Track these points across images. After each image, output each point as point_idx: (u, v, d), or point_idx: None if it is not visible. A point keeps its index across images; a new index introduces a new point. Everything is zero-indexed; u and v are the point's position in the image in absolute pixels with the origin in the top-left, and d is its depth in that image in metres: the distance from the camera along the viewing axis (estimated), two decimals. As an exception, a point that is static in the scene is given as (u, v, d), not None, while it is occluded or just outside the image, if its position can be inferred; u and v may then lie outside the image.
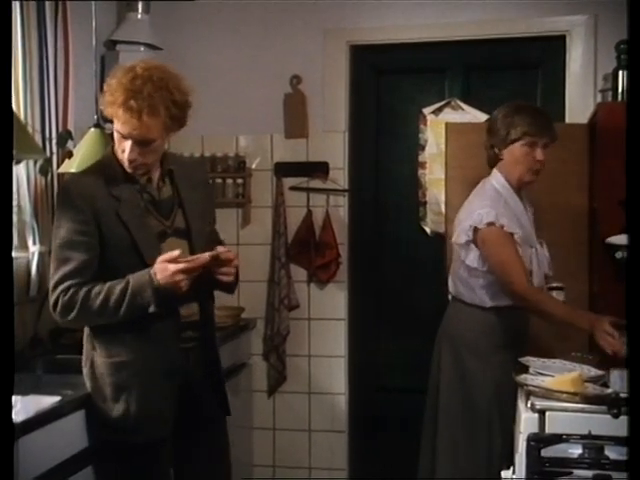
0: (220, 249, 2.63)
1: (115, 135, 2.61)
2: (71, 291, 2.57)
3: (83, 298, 2.56)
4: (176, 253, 2.52)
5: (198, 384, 2.74)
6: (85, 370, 2.70)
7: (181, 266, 2.51)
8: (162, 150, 2.68)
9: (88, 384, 2.68)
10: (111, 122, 3.46)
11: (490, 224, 3.16)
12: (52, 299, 2.60)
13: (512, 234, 3.17)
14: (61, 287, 2.58)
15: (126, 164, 2.60)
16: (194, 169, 2.90)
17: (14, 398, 2.43)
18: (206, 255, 2.56)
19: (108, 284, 2.56)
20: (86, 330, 2.71)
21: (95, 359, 2.66)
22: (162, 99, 2.51)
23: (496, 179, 3.32)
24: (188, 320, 2.68)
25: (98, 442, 2.67)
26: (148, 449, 2.62)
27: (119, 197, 2.62)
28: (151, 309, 2.53)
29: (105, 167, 2.69)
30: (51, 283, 2.62)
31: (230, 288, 2.77)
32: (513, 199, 3.30)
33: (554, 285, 3.27)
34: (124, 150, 2.58)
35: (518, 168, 3.27)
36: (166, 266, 2.52)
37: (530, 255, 3.26)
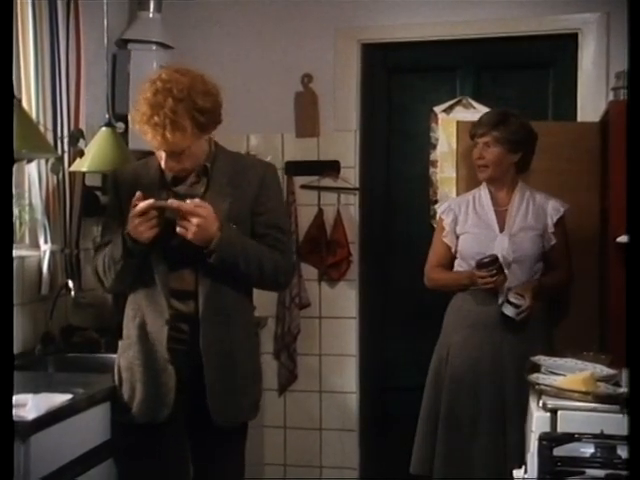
0: (187, 202, 2.58)
1: None
2: (98, 252, 2.79)
3: (97, 258, 2.77)
4: (143, 205, 2.55)
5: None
6: None
7: (136, 210, 2.56)
8: (200, 152, 2.68)
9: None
10: (122, 121, 3.49)
11: (439, 216, 3.60)
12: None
13: (442, 221, 3.56)
14: (94, 255, 2.83)
15: (166, 171, 2.68)
16: (245, 168, 2.79)
17: (26, 396, 2.44)
18: (164, 202, 2.57)
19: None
20: None
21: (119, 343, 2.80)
22: (186, 110, 2.52)
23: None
24: (182, 312, 2.69)
25: (114, 425, 2.76)
26: (154, 430, 2.68)
27: (144, 190, 2.65)
28: (117, 257, 2.64)
29: (149, 161, 2.79)
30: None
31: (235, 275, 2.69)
32: (485, 197, 3.53)
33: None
34: (162, 158, 2.64)
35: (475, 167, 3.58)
36: (130, 220, 2.59)
37: (489, 241, 3.44)
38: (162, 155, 2.62)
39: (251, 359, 2.84)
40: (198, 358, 2.67)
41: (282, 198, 2.99)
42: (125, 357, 2.75)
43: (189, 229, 2.56)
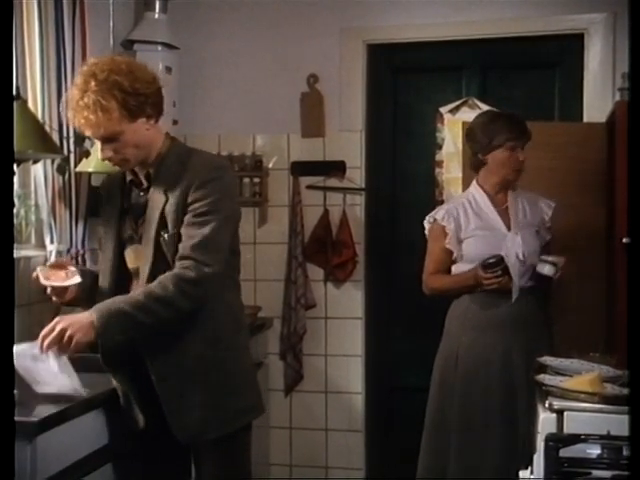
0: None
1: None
2: None
3: None
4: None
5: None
6: None
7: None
8: (144, 143, 2.57)
9: None
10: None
11: (433, 221, 3.52)
12: None
13: (444, 227, 3.47)
14: None
15: (107, 163, 2.64)
16: (188, 169, 2.57)
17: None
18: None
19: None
20: None
21: None
22: (109, 91, 2.45)
23: (473, 185, 3.56)
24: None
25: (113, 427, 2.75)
26: (139, 441, 2.69)
27: (108, 198, 2.73)
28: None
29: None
30: None
31: None
32: (482, 199, 3.49)
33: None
34: (98, 149, 2.60)
35: (503, 170, 3.45)
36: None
37: (498, 241, 3.41)
38: (98, 146, 2.58)
39: (219, 371, 2.63)
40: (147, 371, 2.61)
41: (219, 195, 2.56)
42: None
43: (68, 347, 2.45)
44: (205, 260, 2.50)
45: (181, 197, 2.54)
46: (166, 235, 2.55)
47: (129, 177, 2.68)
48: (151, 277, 2.55)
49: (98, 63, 2.52)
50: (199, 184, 2.53)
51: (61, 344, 2.42)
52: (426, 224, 3.55)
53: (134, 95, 2.49)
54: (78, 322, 2.44)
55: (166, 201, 2.55)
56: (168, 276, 2.50)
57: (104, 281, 2.69)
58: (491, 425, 3.35)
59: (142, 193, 2.65)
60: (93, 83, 2.45)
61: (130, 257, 2.66)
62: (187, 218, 2.53)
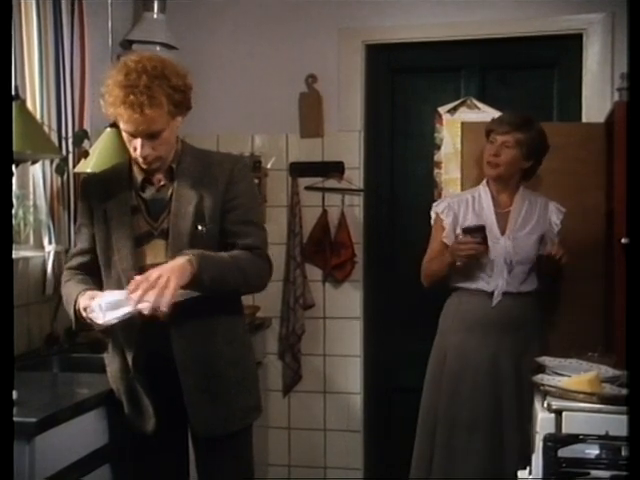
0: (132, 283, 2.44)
1: (124, 135, 2.59)
2: (66, 272, 2.78)
3: (63, 282, 2.75)
4: (99, 293, 2.52)
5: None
6: None
7: (84, 314, 2.53)
8: (173, 141, 2.63)
9: None
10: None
11: (435, 214, 3.57)
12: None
13: (442, 220, 3.52)
14: (66, 265, 2.82)
15: (140, 161, 2.58)
16: (212, 165, 2.67)
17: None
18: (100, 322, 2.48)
19: (75, 284, 2.67)
20: None
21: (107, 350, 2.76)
22: (160, 87, 2.47)
23: (482, 182, 3.58)
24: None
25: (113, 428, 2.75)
26: (144, 443, 2.68)
27: (112, 194, 2.66)
28: (73, 326, 2.65)
29: (117, 167, 2.76)
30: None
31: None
32: (486, 198, 3.50)
33: None
34: (136, 148, 2.56)
35: (482, 163, 3.55)
36: (83, 305, 2.54)
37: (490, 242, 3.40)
38: (137, 144, 2.54)
39: (236, 367, 2.69)
40: (172, 366, 2.60)
41: (254, 191, 2.82)
42: (109, 370, 2.74)
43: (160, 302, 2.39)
44: (269, 257, 2.69)
45: (218, 194, 2.62)
46: (204, 228, 2.60)
47: (140, 175, 2.65)
48: None
49: (143, 58, 2.52)
50: (235, 181, 2.64)
51: (159, 290, 2.37)
52: (432, 214, 3.61)
53: (179, 91, 2.54)
54: (172, 266, 2.43)
55: (200, 196, 2.60)
56: (248, 255, 2.61)
57: (125, 279, 2.57)
58: (476, 426, 3.36)
59: (160, 190, 2.65)
60: (145, 78, 2.46)
61: (151, 253, 2.62)
62: (236, 214, 2.63)
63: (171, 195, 2.63)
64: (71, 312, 2.61)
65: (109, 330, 2.58)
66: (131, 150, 2.60)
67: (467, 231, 3.35)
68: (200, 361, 2.61)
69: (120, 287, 2.55)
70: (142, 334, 2.57)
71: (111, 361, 2.72)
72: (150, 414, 2.63)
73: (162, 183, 2.65)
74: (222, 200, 2.62)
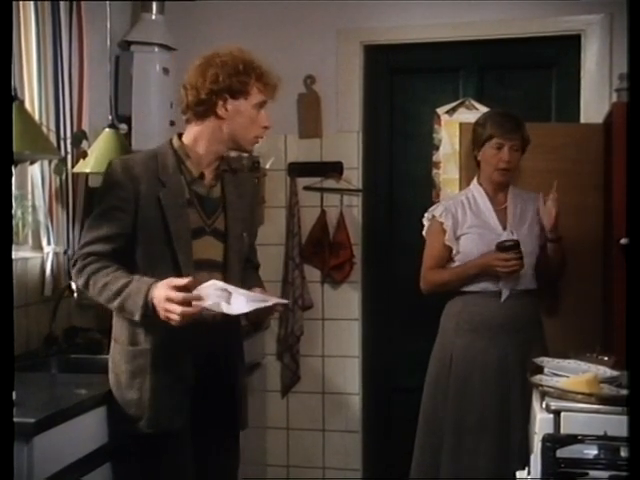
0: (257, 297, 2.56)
1: (246, 113, 2.71)
2: (89, 259, 2.56)
3: (92, 272, 2.55)
4: (183, 282, 2.41)
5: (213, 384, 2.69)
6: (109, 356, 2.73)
7: (172, 307, 2.40)
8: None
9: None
10: (125, 122, 3.49)
11: (432, 217, 3.53)
12: (74, 256, 2.62)
13: (442, 224, 3.48)
14: (85, 250, 2.57)
15: (262, 134, 2.76)
16: (244, 178, 2.88)
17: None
18: (202, 305, 2.43)
19: (116, 273, 2.52)
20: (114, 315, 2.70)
21: (114, 345, 2.69)
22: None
23: (473, 182, 3.57)
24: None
25: (115, 433, 2.69)
26: (162, 441, 2.61)
27: (165, 183, 2.59)
28: (135, 318, 2.49)
29: (159, 154, 2.66)
30: (80, 242, 2.64)
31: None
32: (481, 197, 3.50)
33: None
34: (263, 125, 2.75)
35: (488, 168, 3.49)
36: (165, 294, 2.41)
37: (493, 240, 3.39)
38: (263, 116, 2.77)
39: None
40: (216, 360, 2.67)
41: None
42: (134, 364, 2.61)
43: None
44: None
45: (247, 210, 2.80)
46: (246, 237, 2.78)
47: (197, 170, 2.66)
48: (241, 271, 2.75)
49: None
50: (255, 206, 2.97)
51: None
52: (425, 221, 3.57)
53: None
54: None
55: (242, 205, 2.77)
56: (258, 275, 2.94)
57: (185, 271, 2.53)
58: (485, 427, 3.35)
59: (212, 188, 2.70)
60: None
61: (200, 248, 2.62)
62: (253, 235, 2.91)
63: (220, 196, 2.71)
64: (140, 302, 2.44)
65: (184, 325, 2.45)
66: (252, 132, 2.74)
67: (504, 249, 3.32)
68: (243, 359, 2.85)
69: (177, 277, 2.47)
70: (199, 333, 2.55)
71: (139, 354, 2.60)
72: (185, 410, 2.60)
73: (211, 182, 2.70)
74: (249, 218, 2.82)
